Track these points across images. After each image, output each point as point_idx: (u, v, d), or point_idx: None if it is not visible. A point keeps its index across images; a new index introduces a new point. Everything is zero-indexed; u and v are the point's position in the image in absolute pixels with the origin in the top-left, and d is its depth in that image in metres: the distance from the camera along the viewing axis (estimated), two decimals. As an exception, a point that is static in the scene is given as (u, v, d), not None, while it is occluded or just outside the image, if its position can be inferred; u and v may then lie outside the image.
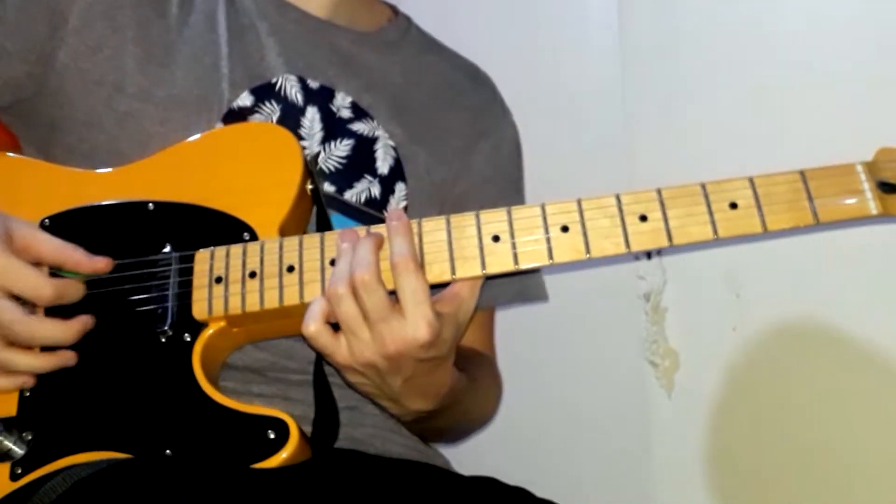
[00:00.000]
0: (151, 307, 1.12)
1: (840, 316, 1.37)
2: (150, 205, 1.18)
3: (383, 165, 1.32)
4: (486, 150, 1.41)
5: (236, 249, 1.13)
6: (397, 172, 1.32)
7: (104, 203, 1.19)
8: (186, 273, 1.13)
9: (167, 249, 1.15)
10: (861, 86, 1.34)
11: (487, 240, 1.09)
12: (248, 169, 1.19)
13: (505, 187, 1.41)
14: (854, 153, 1.37)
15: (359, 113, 1.33)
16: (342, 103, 1.32)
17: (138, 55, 1.25)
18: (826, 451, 1.38)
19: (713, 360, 1.49)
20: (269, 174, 1.18)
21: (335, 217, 1.27)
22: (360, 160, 1.31)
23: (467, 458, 1.42)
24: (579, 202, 1.10)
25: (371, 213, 1.30)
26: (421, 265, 1.08)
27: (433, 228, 1.10)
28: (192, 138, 1.22)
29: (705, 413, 1.47)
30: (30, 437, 1.09)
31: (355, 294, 1.04)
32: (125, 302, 1.13)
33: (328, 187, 1.28)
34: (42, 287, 1.09)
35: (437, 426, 1.29)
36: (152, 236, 1.16)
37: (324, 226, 1.20)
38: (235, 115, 1.26)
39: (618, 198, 1.09)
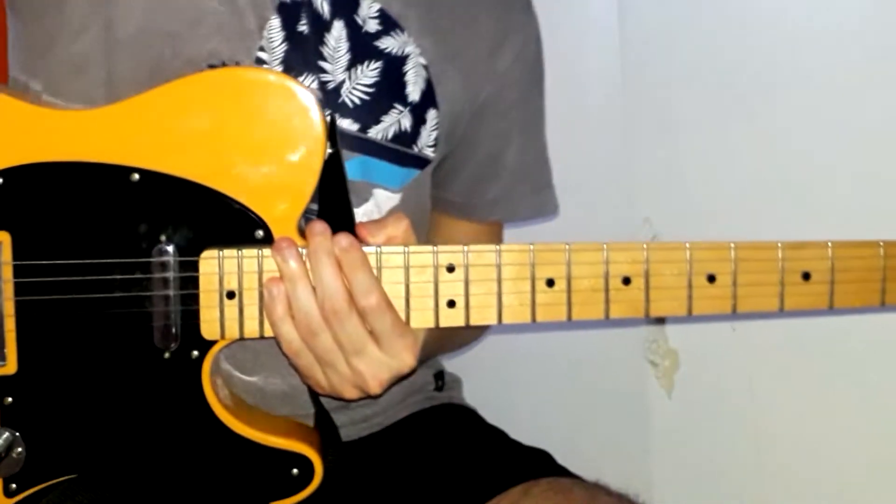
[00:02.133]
0: (147, 310, 0.97)
1: (840, 316, 1.34)
2: (135, 174, 0.96)
3: (414, 90, 1.13)
4: (514, 48, 1.21)
5: (250, 258, 0.96)
6: (429, 97, 1.14)
7: (75, 161, 0.96)
8: (190, 281, 0.97)
9: (163, 243, 0.96)
10: (862, 84, 1.31)
11: (541, 284, 0.98)
12: (259, 141, 0.97)
13: (528, 91, 1.24)
14: (854, 150, 1.30)
15: (388, 24, 1.12)
16: (368, 13, 1.11)
17: None
18: (825, 451, 1.44)
19: (713, 360, 1.48)
20: (285, 151, 0.97)
21: (358, 160, 1.11)
22: (389, 87, 1.12)
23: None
24: (646, 248, 0.99)
25: (400, 149, 1.13)
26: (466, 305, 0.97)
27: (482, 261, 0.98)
28: (188, 79, 0.97)
29: (705, 413, 1.48)
30: (21, 451, 0.99)
31: (328, 326, 0.95)
32: (116, 303, 0.97)
33: (351, 125, 1.10)
34: None
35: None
36: (140, 221, 0.96)
37: (342, 199, 1.02)
38: (289, 9, 1.08)
39: (688, 248, 0.99)
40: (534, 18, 1.25)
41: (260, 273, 0.97)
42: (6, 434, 0.98)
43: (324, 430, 1.06)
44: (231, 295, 0.97)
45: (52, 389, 0.98)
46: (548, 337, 1.58)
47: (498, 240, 1.31)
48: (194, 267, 0.97)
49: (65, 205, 0.96)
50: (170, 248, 0.97)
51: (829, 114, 1.34)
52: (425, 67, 1.14)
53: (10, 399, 0.98)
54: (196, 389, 0.99)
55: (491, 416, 1.26)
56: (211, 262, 0.97)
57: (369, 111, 1.11)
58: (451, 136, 1.18)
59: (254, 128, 0.97)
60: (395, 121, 1.13)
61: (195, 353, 0.98)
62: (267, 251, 0.96)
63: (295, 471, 1.00)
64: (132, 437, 1.00)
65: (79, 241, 0.96)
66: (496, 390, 1.50)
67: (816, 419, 1.48)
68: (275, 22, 1.07)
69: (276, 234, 0.97)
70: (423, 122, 1.14)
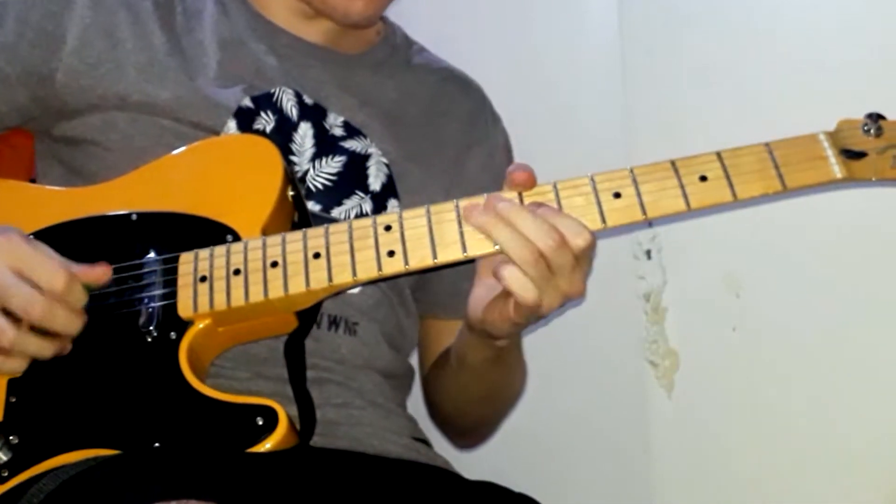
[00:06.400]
0: (136, 308, 1.13)
1: (839, 315, 1.38)
2: (134, 216, 1.20)
3: (375, 182, 1.32)
4: (480, 158, 1.42)
5: (220, 249, 1.14)
6: (389, 189, 1.32)
7: (87, 217, 1.21)
8: (171, 274, 1.14)
9: (151, 255, 1.16)
10: (862, 84, 1.35)
11: (468, 226, 1.11)
12: (230, 178, 1.21)
13: None
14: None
15: (351, 131, 1.33)
16: (334, 122, 1.33)
17: (141, 63, 1.28)
18: (825, 452, 1.38)
19: (713, 360, 1.49)
20: (250, 181, 1.20)
21: None
22: (352, 177, 1.31)
23: (467, 457, 1.43)
24: (555, 184, 1.13)
25: None
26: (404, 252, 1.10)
27: (413, 216, 1.13)
28: (174, 152, 1.25)
29: (705, 413, 1.47)
30: (16, 442, 1.08)
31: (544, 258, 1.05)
32: (110, 306, 1.13)
33: (314, 206, 1.28)
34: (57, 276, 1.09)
35: (489, 383, 1.30)
36: (136, 245, 1.17)
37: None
38: (244, 114, 1.28)
39: (592, 178, 1.13)
40: (500, 129, 1.44)
41: (227, 261, 1.13)
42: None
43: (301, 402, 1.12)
44: (203, 279, 1.13)
45: (51, 381, 1.10)
46: (548, 337, 1.50)
47: None
48: (175, 262, 1.14)
49: (82, 244, 1.18)
50: (158, 256, 1.16)
51: (832, 111, 1.27)
52: (387, 165, 1.32)
53: (13, 399, 1.10)
54: (173, 365, 1.09)
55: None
56: (188, 257, 1.14)
57: (331, 195, 1.28)
58: None
59: (225, 168, 1.22)
60: (357, 205, 1.30)
61: (173, 334, 1.11)
62: (234, 244, 1.14)
63: (259, 420, 1.05)
64: (117, 413, 1.08)
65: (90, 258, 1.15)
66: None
67: (816, 419, 1.38)
68: (231, 124, 1.27)
69: (243, 237, 1.16)
70: (384, 208, 1.30)
